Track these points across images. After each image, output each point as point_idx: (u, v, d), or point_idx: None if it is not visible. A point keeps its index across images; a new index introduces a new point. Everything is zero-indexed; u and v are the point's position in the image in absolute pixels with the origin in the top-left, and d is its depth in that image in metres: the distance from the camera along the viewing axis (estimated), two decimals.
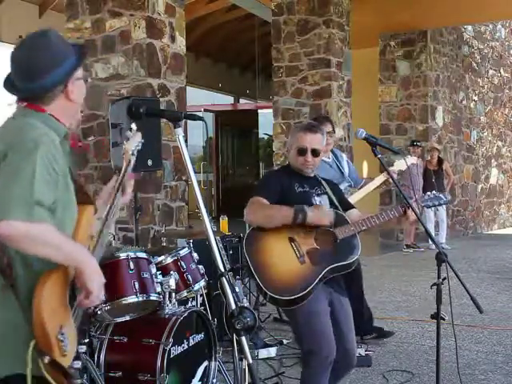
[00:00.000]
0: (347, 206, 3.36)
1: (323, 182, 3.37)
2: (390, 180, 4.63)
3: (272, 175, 3.64)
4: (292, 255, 3.09)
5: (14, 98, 2.02)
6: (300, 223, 3.09)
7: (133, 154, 2.26)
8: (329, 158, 4.88)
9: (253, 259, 3.07)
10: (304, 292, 3.03)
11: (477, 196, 13.95)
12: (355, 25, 9.50)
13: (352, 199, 4.74)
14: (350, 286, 4.98)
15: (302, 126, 3.45)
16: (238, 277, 5.32)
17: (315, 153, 3.24)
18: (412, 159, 5.22)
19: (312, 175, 3.34)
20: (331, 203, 3.30)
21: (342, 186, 4.80)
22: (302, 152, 3.24)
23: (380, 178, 4.83)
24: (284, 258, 3.09)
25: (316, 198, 3.27)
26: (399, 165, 4.88)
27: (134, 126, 2.33)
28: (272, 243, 3.12)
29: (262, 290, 3.07)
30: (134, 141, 2.29)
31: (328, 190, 3.33)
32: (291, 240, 3.11)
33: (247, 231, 3.17)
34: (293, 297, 3.04)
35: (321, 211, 3.15)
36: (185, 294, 3.84)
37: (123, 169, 2.24)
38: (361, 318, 5.11)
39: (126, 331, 3.39)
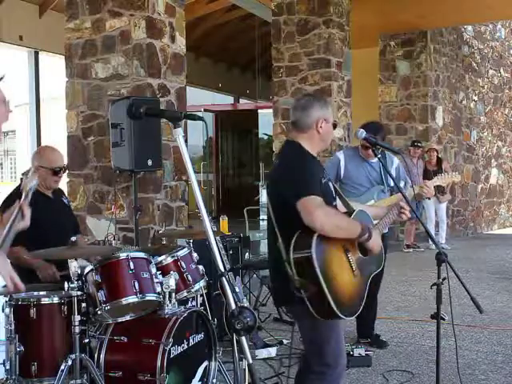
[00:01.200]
0: None
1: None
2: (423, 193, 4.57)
3: (309, 164, 3.01)
4: (348, 267, 2.89)
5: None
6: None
7: (30, 189, 2.61)
8: (375, 158, 4.82)
9: (322, 270, 2.75)
10: (361, 308, 2.92)
11: (477, 196, 13.95)
12: (355, 25, 9.50)
13: (382, 202, 4.72)
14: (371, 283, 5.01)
15: (325, 99, 3.19)
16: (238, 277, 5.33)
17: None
18: (457, 176, 5.07)
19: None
20: (335, 190, 3.17)
21: (377, 189, 4.80)
22: (335, 126, 3.14)
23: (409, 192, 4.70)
24: (343, 270, 2.87)
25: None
26: (455, 176, 4.84)
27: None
28: (333, 253, 2.86)
29: (326, 304, 2.75)
30: (33, 180, 2.66)
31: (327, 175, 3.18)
32: (346, 250, 2.89)
33: (314, 239, 2.75)
34: (355, 315, 2.92)
35: (378, 236, 3.00)
36: (185, 293, 3.84)
37: (22, 199, 2.52)
38: (366, 316, 5.12)
39: (126, 331, 3.39)
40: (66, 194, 4.76)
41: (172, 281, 3.50)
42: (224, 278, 2.20)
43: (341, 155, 4.99)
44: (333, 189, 3.12)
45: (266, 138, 15.84)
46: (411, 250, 10.68)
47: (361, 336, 5.13)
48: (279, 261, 2.88)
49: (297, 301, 2.80)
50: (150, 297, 3.43)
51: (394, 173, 4.84)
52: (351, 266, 2.89)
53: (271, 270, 3.17)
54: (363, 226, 2.89)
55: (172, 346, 3.30)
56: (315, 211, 2.75)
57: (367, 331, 5.12)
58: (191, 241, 4.12)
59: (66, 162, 4.35)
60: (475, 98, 13.97)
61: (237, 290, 2.20)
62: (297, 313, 3.04)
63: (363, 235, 2.88)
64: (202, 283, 3.95)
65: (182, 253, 3.89)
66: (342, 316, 2.80)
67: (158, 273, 3.55)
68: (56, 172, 4.16)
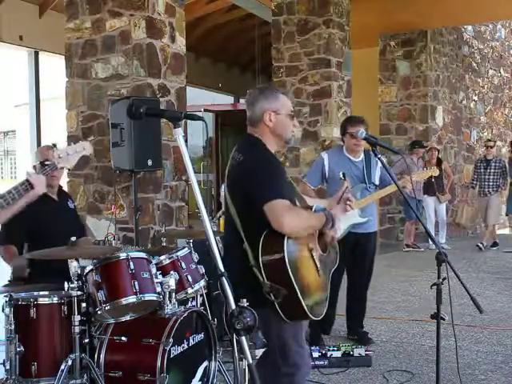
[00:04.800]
0: None
1: None
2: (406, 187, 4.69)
3: (274, 165, 2.85)
4: (314, 266, 2.80)
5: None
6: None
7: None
8: (359, 157, 4.95)
9: (294, 272, 2.66)
10: (326, 308, 2.88)
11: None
12: (355, 25, 9.50)
13: (366, 200, 4.81)
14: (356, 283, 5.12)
15: (277, 89, 3.02)
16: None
17: None
18: (435, 171, 5.16)
19: None
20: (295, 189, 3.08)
21: (360, 187, 4.87)
22: (293, 116, 2.93)
23: (390, 188, 4.77)
24: (310, 269, 2.78)
25: None
26: (433, 171, 5.03)
27: None
28: (301, 253, 2.76)
29: (298, 306, 2.67)
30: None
31: None
32: (310, 249, 2.80)
33: (286, 240, 2.65)
34: (322, 315, 2.84)
35: (339, 222, 2.93)
36: (185, 294, 3.84)
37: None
38: (356, 313, 5.17)
39: (126, 331, 3.39)
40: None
41: (172, 281, 3.50)
42: (224, 278, 2.20)
43: (325, 155, 5.07)
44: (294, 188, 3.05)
45: None
46: (411, 249, 10.68)
47: (350, 333, 5.19)
48: (245, 264, 2.72)
49: (265, 305, 2.68)
50: (150, 297, 3.42)
51: (379, 172, 4.95)
52: (316, 265, 2.80)
53: (236, 274, 2.74)
54: (326, 214, 2.82)
55: (172, 346, 3.30)
56: (284, 217, 2.62)
57: (356, 329, 5.21)
58: (191, 241, 4.12)
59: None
60: (475, 98, 13.97)
61: None
62: (263, 318, 2.69)
63: (328, 223, 2.80)
64: (201, 283, 3.95)
65: (181, 253, 3.89)
66: (312, 317, 2.74)
67: (158, 273, 3.55)
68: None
